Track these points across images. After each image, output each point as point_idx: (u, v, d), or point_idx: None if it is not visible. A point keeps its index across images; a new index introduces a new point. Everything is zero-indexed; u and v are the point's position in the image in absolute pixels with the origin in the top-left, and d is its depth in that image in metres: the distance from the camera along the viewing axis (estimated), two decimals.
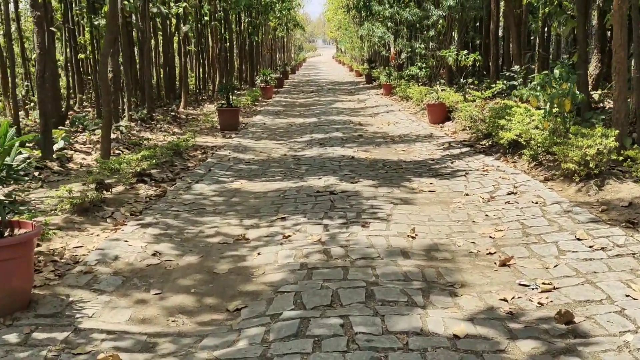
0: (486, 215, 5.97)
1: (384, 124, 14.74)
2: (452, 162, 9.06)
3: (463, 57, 13.12)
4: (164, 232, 5.56)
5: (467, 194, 6.93)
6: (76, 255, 4.85)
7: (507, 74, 13.01)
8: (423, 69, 19.72)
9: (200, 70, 25.33)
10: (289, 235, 5.37)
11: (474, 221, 5.81)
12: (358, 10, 30.17)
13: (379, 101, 21.20)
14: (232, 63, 25.20)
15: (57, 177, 8.19)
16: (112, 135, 11.65)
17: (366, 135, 12.75)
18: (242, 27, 30.18)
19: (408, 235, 5.29)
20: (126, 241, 5.14)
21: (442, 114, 13.82)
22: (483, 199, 6.64)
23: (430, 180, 7.80)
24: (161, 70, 21.01)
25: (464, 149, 10.10)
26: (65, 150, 9.60)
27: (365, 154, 10.29)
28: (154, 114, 14.75)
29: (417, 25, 18.10)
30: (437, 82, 20.87)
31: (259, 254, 4.97)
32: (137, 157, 8.06)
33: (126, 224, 5.77)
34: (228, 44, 25.37)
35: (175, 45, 21.43)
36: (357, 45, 40.52)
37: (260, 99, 22.79)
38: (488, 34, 21.90)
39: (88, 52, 17.75)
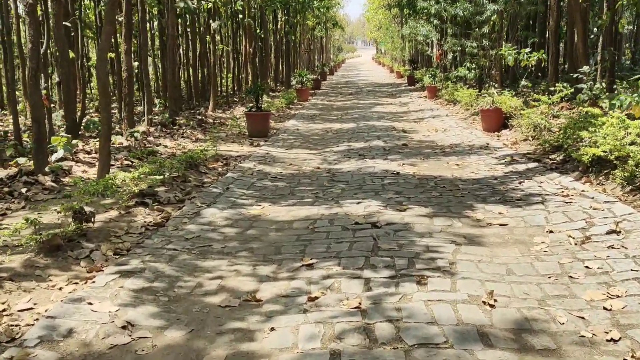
0: (587, 267, 4.38)
1: (430, 131, 13.14)
2: (520, 182, 7.44)
3: (525, 56, 11.38)
4: (149, 285, 4.14)
5: (551, 231, 5.33)
6: (16, 326, 3.46)
7: (576, 75, 11.27)
8: (472, 70, 18.02)
9: (236, 70, 24.13)
10: (316, 297, 3.88)
11: (571, 277, 4.22)
12: (400, 8, 28.59)
13: (423, 105, 19.55)
14: (267, 63, 23.88)
15: (46, 195, 6.89)
16: (125, 143, 10.39)
17: (412, 145, 11.19)
18: (278, 26, 28.88)
19: (484, 302, 3.75)
20: (91, 303, 3.72)
21: (498, 120, 12.16)
22: (574, 239, 5.04)
23: (498, 208, 6.21)
24: (191, 70, 19.86)
25: (531, 165, 8.45)
26: (65, 161, 8.33)
27: (412, 169, 8.75)
28: (177, 118, 13.46)
29: (468, 21, 16.43)
30: (488, 85, 19.15)
31: (272, 329, 3.49)
32: (135, 175, 6.67)
33: (103, 270, 4.37)
34: (262, 43, 24.05)
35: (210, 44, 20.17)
36: (398, 45, 38.85)
37: (295, 101, 21.40)
38: (543, 32, 20.06)
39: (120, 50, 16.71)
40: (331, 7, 37.35)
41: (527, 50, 11.42)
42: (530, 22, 20.03)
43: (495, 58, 14.45)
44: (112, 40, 13.72)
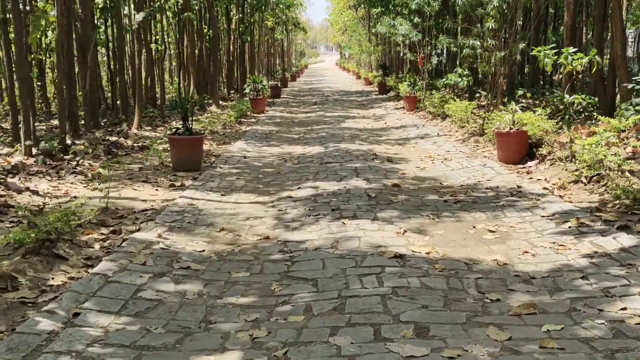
0: None
1: (425, 160, 9.69)
2: (632, 285, 4.01)
3: (570, 58, 7.86)
4: None
5: None
6: None
7: (632, 86, 7.97)
8: (464, 77, 14.69)
9: (181, 76, 20.39)
10: None
11: None
12: (372, 5, 25.25)
13: (403, 119, 16.15)
14: (217, 67, 20.17)
15: None
16: None
17: (407, 186, 7.70)
18: (232, 25, 25.21)
19: None
20: None
21: (521, 148, 8.79)
22: None
23: None
24: (108, 75, 16.09)
25: (622, 238, 5.02)
26: None
27: (422, 243, 5.25)
28: (77, 142, 9.71)
29: (462, 16, 13.14)
30: (479, 95, 15.87)
31: None
32: None
33: None
34: (211, 44, 20.34)
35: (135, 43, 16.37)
36: (366, 49, 35.52)
37: (249, 113, 17.77)
38: (550, 30, 16.96)
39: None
40: (292, 5, 33.82)
41: (572, 50, 8.02)
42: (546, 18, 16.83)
43: (505, 61, 11.11)
44: None
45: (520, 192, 7.03)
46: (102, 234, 5.56)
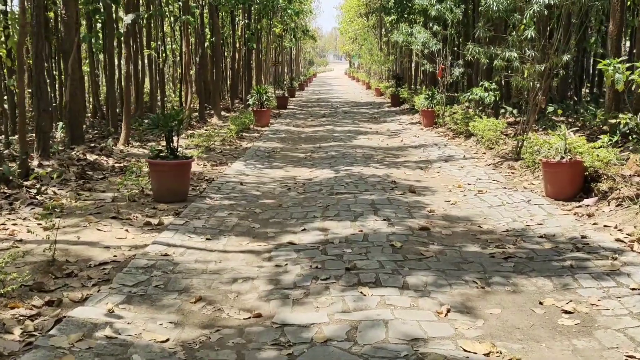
0: None
1: (455, 192, 8.16)
2: None
3: None
4: None
5: None
6: None
7: None
8: (490, 92, 13.18)
9: (183, 84, 18.98)
10: None
11: None
12: (385, 13, 23.81)
13: (421, 136, 14.64)
14: (219, 75, 18.74)
15: None
16: None
17: (439, 231, 6.16)
18: (237, 32, 23.82)
19: None
20: None
21: (575, 181, 7.25)
22: None
23: None
24: (93, 83, 14.69)
25: None
26: None
27: (476, 333, 3.73)
28: (45, 163, 8.24)
29: (496, 23, 11.67)
30: (505, 111, 14.36)
31: None
32: None
33: None
34: (213, 50, 18.92)
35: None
36: (378, 58, 34.06)
37: (252, 126, 16.31)
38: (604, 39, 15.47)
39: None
40: (301, 12, 32.41)
41: None
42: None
43: (545, 75, 9.58)
44: None
45: (588, 244, 5.48)
46: (34, 306, 4.06)
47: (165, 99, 27.28)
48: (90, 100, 18.62)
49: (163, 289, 4.50)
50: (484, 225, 6.41)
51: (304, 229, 6.24)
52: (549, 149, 7.52)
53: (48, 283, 4.47)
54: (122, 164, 9.58)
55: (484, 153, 11.31)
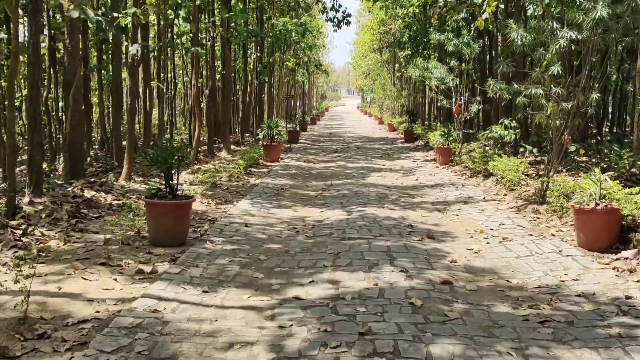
0: None
1: (477, 239, 7.51)
2: None
3: None
4: None
5: None
6: None
7: None
8: (510, 130, 12.63)
9: (192, 117, 18.58)
10: None
11: None
12: (400, 47, 23.47)
13: (437, 174, 14.03)
14: (228, 109, 18.31)
15: None
16: None
17: (463, 286, 5.50)
18: (249, 65, 23.55)
19: None
20: None
21: (611, 231, 6.59)
22: None
23: None
24: (102, 115, 14.26)
25: None
26: None
27: None
28: (36, 200, 7.71)
29: (516, 58, 11.15)
30: (524, 150, 13.74)
31: None
32: None
33: None
34: (224, 83, 18.56)
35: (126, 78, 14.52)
36: (391, 93, 33.69)
37: (261, 161, 15.80)
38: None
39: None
40: (314, 46, 32.22)
41: None
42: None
43: (572, 113, 8.99)
44: None
45: (634, 307, 4.81)
46: None
47: (176, 131, 27.07)
48: (98, 132, 18.29)
49: (147, 357, 3.87)
50: (513, 280, 5.75)
51: (312, 281, 5.61)
52: (581, 194, 6.87)
53: (14, 347, 3.86)
54: (121, 201, 9.03)
55: (505, 194, 10.68)
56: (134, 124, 11.55)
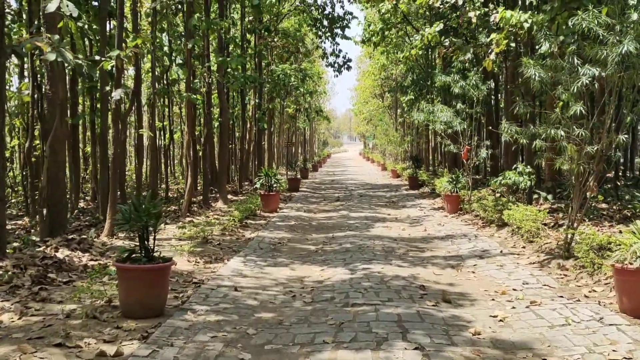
0: None
1: (500, 302, 6.53)
2: None
3: None
4: None
5: None
6: None
7: None
8: (525, 175, 11.76)
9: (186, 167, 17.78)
10: None
11: None
12: (402, 92, 22.85)
13: (446, 224, 13.08)
14: (224, 157, 17.53)
15: None
16: None
17: None
18: (248, 112, 22.92)
19: None
20: None
21: None
22: None
23: None
24: (94, 165, 13.43)
25: None
26: None
27: None
28: None
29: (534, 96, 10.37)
30: (538, 196, 12.84)
31: None
32: None
33: None
34: (221, 130, 17.84)
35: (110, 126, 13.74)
36: (394, 139, 33.04)
37: (259, 212, 14.91)
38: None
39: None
40: (315, 92, 31.73)
41: None
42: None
43: (599, 157, 8.14)
44: None
45: None
46: None
47: (175, 180, 26.29)
48: (90, 183, 17.49)
49: None
50: (552, 358, 4.76)
51: None
52: (622, 251, 5.92)
53: None
54: (98, 261, 8.09)
55: (524, 247, 9.73)
56: (117, 175, 10.68)
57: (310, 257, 9.56)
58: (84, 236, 9.69)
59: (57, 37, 8.09)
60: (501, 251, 9.47)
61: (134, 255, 5.93)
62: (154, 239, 6.03)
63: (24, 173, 14.90)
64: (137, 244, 5.99)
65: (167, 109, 21.08)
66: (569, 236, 8.47)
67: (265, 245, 10.51)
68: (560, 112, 8.50)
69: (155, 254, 5.99)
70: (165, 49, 17.42)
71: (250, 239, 11.04)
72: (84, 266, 7.73)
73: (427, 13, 20.67)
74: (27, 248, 8.22)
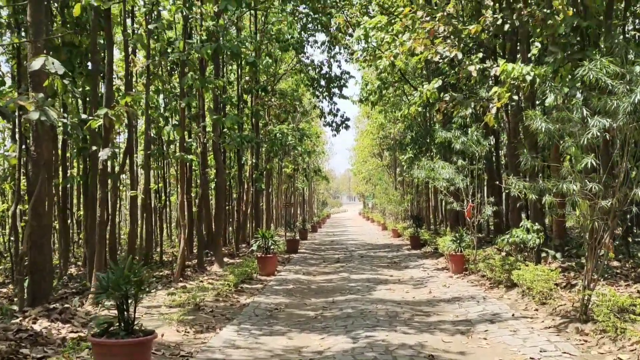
0: None
1: None
2: None
3: None
4: None
5: None
6: None
7: None
8: (534, 233, 11.24)
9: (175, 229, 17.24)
10: None
11: None
12: (402, 149, 22.58)
13: (452, 285, 12.46)
14: (220, 219, 17.01)
15: None
16: None
17: None
18: (245, 172, 22.56)
19: None
20: None
21: None
22: None
23: None
24: (86, 229, 12.94)
25: None
26: None
27: None
28: None
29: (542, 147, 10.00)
30: (546, 254, 12.28)
31: None
32: None
33: None
34: (216, 192, 17.41)
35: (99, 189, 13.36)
36: (394, 198, 32.60)
37: (255, 276, 14.28)
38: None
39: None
40: (313, 152, 31.53)
41: None
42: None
43: (613, 212, 7.66)
44: None
45: None
46: None
47: (171, 243, 25.68)
48: (82, 248, 16.92)
49: None
50: None
51: None
52: None
53: None
54: (79, 333, 7.47)
55: (536, 310, 9.12)
56: (104, 240, 10.15)
57: (309, 324, 8.92)
58: (67, 305, 9.07)
59: (41, 95, 7.76)
60: (513, 314, 8.85)
61: (112, 329, 5.35)
62: (135, 310, 5.46)
63: (12, 238, 14.36)
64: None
65: (160, 171, 20.72)
66: (586, 297, 7.89)
67: (261, 311, 9.87)
68: (569, 166, 8.08)
69: (136, 326, 5.41)
70: (162, 109, 17.22)
71: (245, 305, 10.41)
72: (62, 339, 7.11)
73: (425, 72, 20.64)
74: (4, 319, 7.62)
